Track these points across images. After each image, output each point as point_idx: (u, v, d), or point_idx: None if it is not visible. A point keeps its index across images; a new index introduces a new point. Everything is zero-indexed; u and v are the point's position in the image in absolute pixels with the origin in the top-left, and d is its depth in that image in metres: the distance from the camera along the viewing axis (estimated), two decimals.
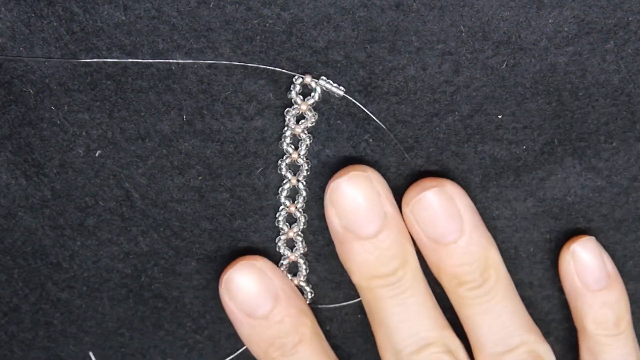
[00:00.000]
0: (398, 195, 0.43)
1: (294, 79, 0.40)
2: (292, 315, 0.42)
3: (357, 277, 0.42)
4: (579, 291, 0.43)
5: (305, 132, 0.41)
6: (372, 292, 0.42)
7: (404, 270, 0.41)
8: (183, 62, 0.40)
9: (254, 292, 0.42)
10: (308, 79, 0.40)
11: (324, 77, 0.40)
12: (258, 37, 0.39)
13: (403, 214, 0.42)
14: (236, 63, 0.40)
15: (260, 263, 0.43)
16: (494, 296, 0.42)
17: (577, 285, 0.43)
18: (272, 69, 0.40)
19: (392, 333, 0.42)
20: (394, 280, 0.41)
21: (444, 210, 0.41)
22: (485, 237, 0.42)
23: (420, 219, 0.41)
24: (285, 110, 0.41)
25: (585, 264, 0.43)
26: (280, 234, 0.44)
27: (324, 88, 0.40)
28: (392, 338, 0.42)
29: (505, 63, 0.40)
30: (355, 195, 0.41)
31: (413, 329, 0.42)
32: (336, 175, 0.41)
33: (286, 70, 0.40)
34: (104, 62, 0.40)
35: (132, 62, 0.40)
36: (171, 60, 0.40)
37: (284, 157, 0.42)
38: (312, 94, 0.40)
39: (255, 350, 0.43)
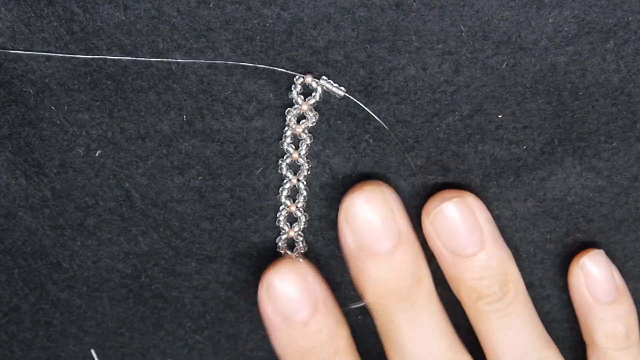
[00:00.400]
0: (399, 194, 0.43)
1: (294, 79, 0.40)
2: (330, 325, 0.42)
3: (371, 295, 0.41)
4: (589, 305, 0.43)
5: (306, 131, 0.41)
6: (386, 312, 0.41)
7: (418, 289, 0.41)
8: (184, 62, 0.40)
9: (294, 298, 0.41)
10: (309, 78, 0.40)
11: (324, 77, 0.40)
12: (258, 37, 0.39)
13: (423, 225, 0.42)
14: (237, 63, 0.40)
15: (303, 267, 0.42)
16: (513, 311, 0.42)
17: (587, 298, 0.43)
18: (272, 69, 0.40)
19: (406, 353, 0.41)
20: (409, 299, 0.41)
21: (464, 222, 0.41)
22: (505, 251, 0.42)
23: (440, 230, 0.41)
24: (286, 110, 0.41)
25: (595, 278, 0.43)
26: (281, 233, 0.43)
27: (324, 88, 0.40)
28: (405, 358, 0.42)
29: (505, 63, 0.40)
30: (370, 213, 0.40)
31: (427, 349, 0.41)
32: (350, 191, 0.41)
33: (286, 70, 0.40)
34: (104, 59, 0.40)
35: (132, 60, 0.40)
36: (172, 60, 0.40)
37: (285, 157, 0.42)
38: (313, 94, 0.40)
39: (288, 358, 0.42)
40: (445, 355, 0.41)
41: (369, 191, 0.40)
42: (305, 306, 0.41)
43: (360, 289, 0.42)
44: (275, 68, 0.40)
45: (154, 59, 0.39)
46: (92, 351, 0.46)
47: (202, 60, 0.40)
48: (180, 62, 0.40)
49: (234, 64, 0.40)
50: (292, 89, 0.40)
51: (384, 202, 0.40)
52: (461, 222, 0.41)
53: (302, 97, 0.40)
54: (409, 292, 0.41)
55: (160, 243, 0.44)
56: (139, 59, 0.39)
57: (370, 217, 0.40)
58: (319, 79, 0.40)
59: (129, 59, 0.39)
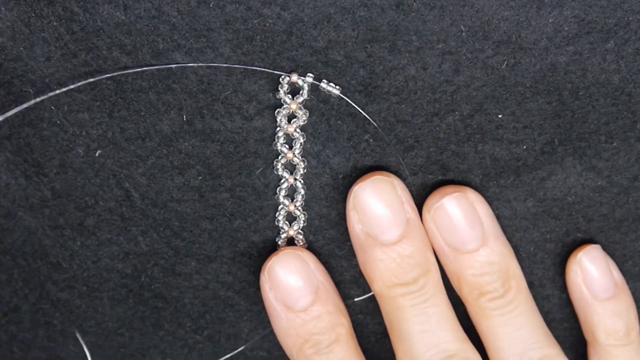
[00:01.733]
0: None
1: (280, 79, 0.40)
2: (331, 312, 0.42)
3: (379, 285, 0.41)
4: (588, 301, 0.43)
5: (298, 130, 0.41)
6: (393, 302, 0.41)
7: (425, 278, 0.41)
8: (162, 67, 0.40)
9: (296, 284, 0.41)
10: (294, 77, 0.40)
11: (310, 74, 0.40)
12: (258, 37, 0.39)
13: (424, 221, 0.42)
14: (216, 64, 0.40)
15: (304, 255, 0.42)
16: (515, 307, 0.42)
17: (585, 295, 0.43)
18: (259, 70, 0.40)
19: (413, 344, 0.41)
20: (416, 288, 0.41)
21: (465, 217, 0.41)
22: (507, 247, 0.42)
23: (442, 225, 0.41)
24: (276, 111, 0.41)
25: (592, 274, 0.43)
26: (281, 232, 0.43)
27: (322, 89, 0.40)
28: (412, 349, 0.41)
29: (505, 62, 0.40)
30: (378, 201, 0.40)
31: (434, 341, 0.41)
32: (359, 180, 0.41)
33: (280, 69, 0.40)
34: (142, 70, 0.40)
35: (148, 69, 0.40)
36: (161, 66, 0.40)
37: (280, 157, 0.42)
38: (301, 92, 0.40)
39: (288, 345, 0.42)
40: (452, 347, 0.41)
41: (377, 180, 0.41)
42: (306, 293, 0.41)
43: (368, 278, 0.42)
44: (260, 68, 0.40)
45: (157, 66, 0.39)
46: (77, 334, 0.46)
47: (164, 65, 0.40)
48: (162, 67, 0.40)
49: (208, 65, 0.40)
50: (279, 88, 0.40)
51: (393, 192, 0.41)
52: (462, 217, 0.41)
53: (289, 96, 0.40)
54: (416, 282, 0.41)
55: (160, 243, 0.44)
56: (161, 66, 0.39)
57: (378, 206, 0.40)
58: (305, 77, 0.40)
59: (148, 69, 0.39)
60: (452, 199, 0.41)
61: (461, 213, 0.41)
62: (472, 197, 0.42)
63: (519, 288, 0.42)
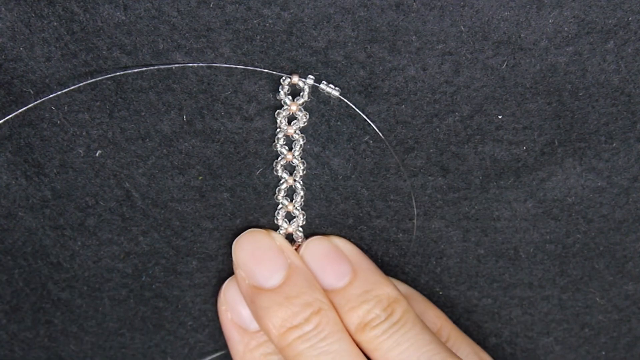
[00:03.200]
0: (399, 196, 0.43)
1: (281, 80, 0.40)
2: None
3: (274, 334, 0.40)
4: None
5: (298, 132, 0.41)
6: (291, 349, 0.40)
7: (318, 317, 0.40)
8: (163, 67, 0.40)
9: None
10: (295, 78, 0.40)
11: (311, 76, 0.40)
12: (258, 37, 0.39)
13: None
14: (217, 64, 0.40)
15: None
16: (402, 327, 0.41)
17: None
18: (259, 70, 0.40)
19: None
20: (310, 328, 0.40)
21: (328, 256, 0.42)
22: (381, 275, 0.42)
23: (312, 270, 0.42)
24: (276, 112, 0.41)
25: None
26: (280, 230, 0.43)
27: (322, 90, 0.40)
28: None
29: (505, 63, 0.40)
30: (256, 251, 0.42)
31: None
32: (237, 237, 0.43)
33: (280, 70, 0.40)
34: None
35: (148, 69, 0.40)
36: (158, 66, 0.40)
37: (279, 159, 0.42)
38: (302, 93, 0.40)
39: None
40: None
41: (252, 233, 0.42)
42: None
43: (265, 331, 0.41)
44: (261, 69, 0.40)
45: (158, 66, 0.39)
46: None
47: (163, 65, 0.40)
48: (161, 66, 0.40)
49: (208, 65, 0.40)
50: (280, 90, 0.40)
51: (269, 241, 0.42)
52: (325, 257, 0.42)
53: (290, 97, 0.40)
54: (309, 322, 0.40)
55: (161, 242, 0.44)
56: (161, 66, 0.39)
57: (256, 255, 0.42)
58: (306, 78, 0.40)
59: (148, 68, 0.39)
60: (312, 245, 0.42)
61: (323, 254, 0.42)
62: (335, 240, 0.43)
63: (402, 310, 0.41)
